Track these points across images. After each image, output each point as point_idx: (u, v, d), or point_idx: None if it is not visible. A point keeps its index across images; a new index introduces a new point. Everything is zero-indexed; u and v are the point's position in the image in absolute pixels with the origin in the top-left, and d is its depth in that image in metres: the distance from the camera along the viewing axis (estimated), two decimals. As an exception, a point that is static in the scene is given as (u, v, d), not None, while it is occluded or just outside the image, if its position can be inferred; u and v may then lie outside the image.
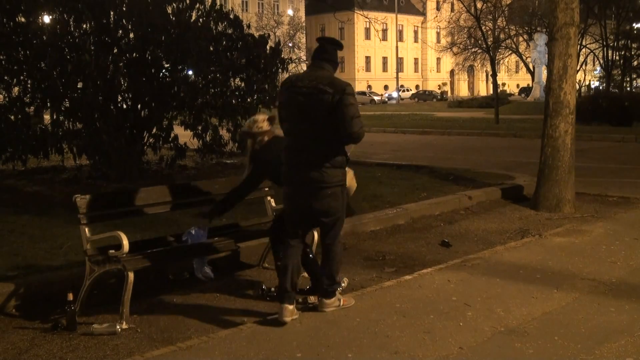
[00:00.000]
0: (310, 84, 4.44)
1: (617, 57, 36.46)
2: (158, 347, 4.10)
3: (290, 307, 4.49)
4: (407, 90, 73.00)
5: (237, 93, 11.47)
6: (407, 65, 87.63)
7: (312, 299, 4.92)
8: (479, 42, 32.05)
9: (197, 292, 5.25)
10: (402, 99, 65.95)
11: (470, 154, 15.78)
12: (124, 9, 10.22)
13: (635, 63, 38.76)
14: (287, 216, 4.72)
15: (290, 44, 59.45)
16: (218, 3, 11.82)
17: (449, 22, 40.52)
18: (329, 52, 4.66)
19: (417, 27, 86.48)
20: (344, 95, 4.36)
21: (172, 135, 10.97)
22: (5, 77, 9.86)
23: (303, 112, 4.44)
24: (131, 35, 10.42)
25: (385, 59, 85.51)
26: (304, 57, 65.98)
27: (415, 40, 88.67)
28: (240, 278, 5.68)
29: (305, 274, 5.55)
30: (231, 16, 11.32)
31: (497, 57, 32.89)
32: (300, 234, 4.68)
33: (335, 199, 4.50)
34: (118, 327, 4.41)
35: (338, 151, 4.47)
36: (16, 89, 10.13)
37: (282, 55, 12.01)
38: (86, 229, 4.70)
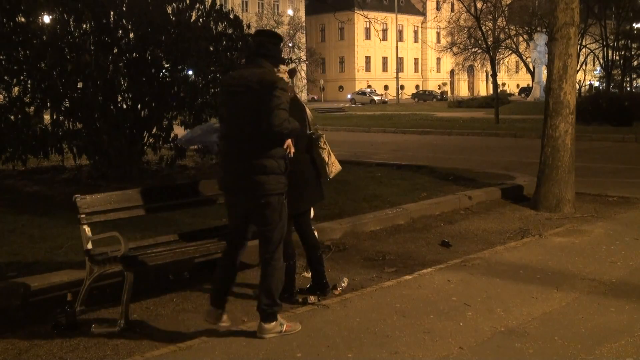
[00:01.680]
0: (240, 82, 4.16)
1: (617, 57, 36.48)
2: (158, 347, 4.10)
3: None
4: (374, 92, 69.99)
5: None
6: (407, 65, 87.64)
7: (312, 298, 4.93)
8: (479, 42, 32.03)
9: (197, 292, 5.26)
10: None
11: (470, 154, 15.78)
12: (124, 9, 10.22)
13: (635, 63, 38.81)
14: (228, 221, 4.54)
15: (290, 44, 59.45)
16: (218, 3, 11.82)
17: (449, 22, 40.53)
18: (266, 46, 4.29)
19: (417, 27, 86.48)
20: (272, 89, 4.02)
21: (172, 135, 10.97)
22: (5, 77, 9.85)
23: (232, 113, 4.20)
24: (131, 35, 10.41)
25: (385, 59, 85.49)
26: (304, 57, 66.09)
27: (415, 40, 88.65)
28: (241, 278, 5.67)
29: (306, 274, 5.56)
30: (231, 16, 11.32)
31: (497, 57, 32.89)
32: (235, 242, 4.42)
33: (271, 209, 4.15)
34: (117, 327, 4.40)
35: (271, 156, 4.11)
36: (16, 89, 10.12)
37: (282, 55, 11.99)
38: (86, 229, 4.70)
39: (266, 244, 4.24)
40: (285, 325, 4.23)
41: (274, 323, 4.19)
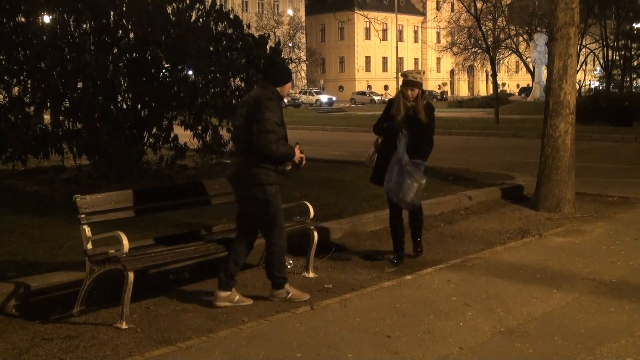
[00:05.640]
0: None
1: (617, 57, 36.50)
2: (158, 347, 4.10)
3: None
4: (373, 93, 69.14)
5: (237, 93, 11.47)
6: (407, 65, 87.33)
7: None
8: (479, 42, 32.04)
9: (196, 292, 5.26)
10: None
11: (470, 154, 15.78)
12: (124, 9, 10.21)
13: (635, 63, 38.81)
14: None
15: (290, 44, 59.45)
16: (218, 3, 11.81)
17: (449, 22, 40.49)
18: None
19: (417, 27, 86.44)
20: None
21: (172, 135, 10.95)
22: (5, 77, 9.84)
23: None
24: (131, 35, 10.41)
25: (385, 59, 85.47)
26: (304, 57, 66.07)
27: (415, 40, 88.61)
28: (241, 278, 5.67)
29: (306, 274, 5.58)
30: (231, 16, 11.30)
31: (497, 57, 32.88)
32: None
33: None
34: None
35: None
36: (16, 89, 10.11)
37: (282, 55, 12.01)
38: (86, 229, 4.70)
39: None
40: (291, 293, 4.99)
41: (279, 291, 4.99)
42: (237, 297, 4.99)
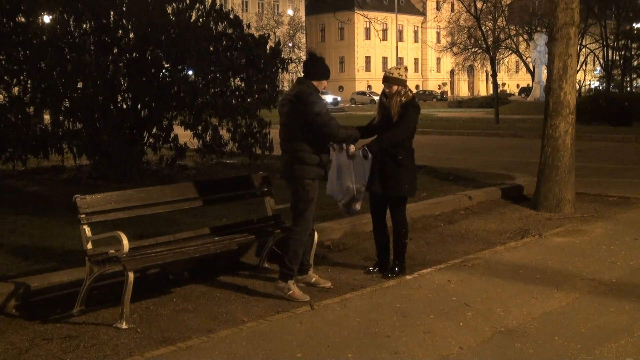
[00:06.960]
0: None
1: (617, 57, 36.51)
2: (158, 347, 4.10)
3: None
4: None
5: (237, 93, 11.47)
6: (407, 65, 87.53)
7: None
8: (479, 42, 32.03)
9: (196, 292, 5.26)
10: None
11: (470, 154, 15.78)
12: (124, 9, 10.22)
13: (635, 63, 38.82)
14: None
15: (290, 44, 59.42)
16: (218, 3, 11.82)
17: (449, 22, 40.45)
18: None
19: (417, 27, 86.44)
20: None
21: (172, 135, 10.97)
22: (5, 77, 9.85)
23: None
24: (131, 35, 10.42)
25: (385, 59, 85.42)
26: (304, 57, 66.03)
27: (415, 40, 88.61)
28: (240, 278, 5.68)
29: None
30: (231, 16, 11.32)
31: (497, 57, 32.86)
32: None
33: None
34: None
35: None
36: (16, 89, 10.12)
37: (282, 55, 12.01)
38: (86, 229, 4.70)
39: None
40: (292, 291, 5.04)
41: (283, 284, 5.08)
42: (314, 278, 5.47)
